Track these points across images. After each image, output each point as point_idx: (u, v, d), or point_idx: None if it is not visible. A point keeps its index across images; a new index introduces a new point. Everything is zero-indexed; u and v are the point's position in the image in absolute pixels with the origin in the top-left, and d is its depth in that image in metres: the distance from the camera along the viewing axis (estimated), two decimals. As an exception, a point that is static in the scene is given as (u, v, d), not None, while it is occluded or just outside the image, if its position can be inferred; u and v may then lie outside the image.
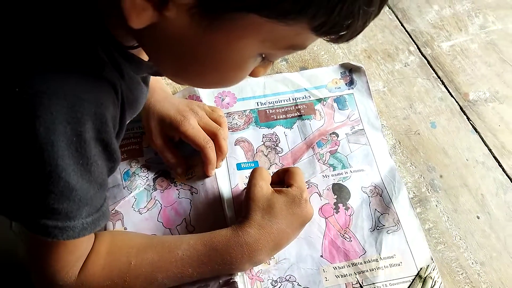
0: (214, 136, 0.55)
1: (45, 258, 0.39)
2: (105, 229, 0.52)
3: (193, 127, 0.54)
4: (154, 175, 0.56)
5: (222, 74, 0.35)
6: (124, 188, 0.55)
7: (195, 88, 0.63)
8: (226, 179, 0.57)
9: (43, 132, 0.30)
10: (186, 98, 0.62)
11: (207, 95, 0.64)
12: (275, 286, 0.50)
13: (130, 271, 0.43)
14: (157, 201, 0.55)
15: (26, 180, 0.32)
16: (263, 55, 0.34)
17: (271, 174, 0.53)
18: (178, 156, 0.56)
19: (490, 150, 0.60)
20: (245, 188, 0.54)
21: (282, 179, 0.51)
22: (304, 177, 0.51)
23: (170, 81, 0.61)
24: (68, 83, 0.31)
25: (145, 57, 0.38)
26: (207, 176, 0.56)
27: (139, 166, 0.57)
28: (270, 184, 0.50)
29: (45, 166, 0.31)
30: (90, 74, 0.33)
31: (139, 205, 0.54)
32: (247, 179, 0.56)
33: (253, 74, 0.37)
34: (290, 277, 0.50)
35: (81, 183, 0.33)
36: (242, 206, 0.50)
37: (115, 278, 0.43)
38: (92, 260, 0.43)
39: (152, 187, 0.56)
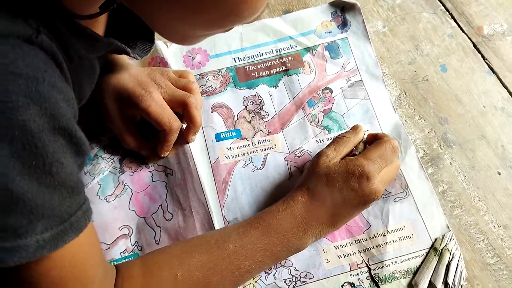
0: (184, 106, 0.46)
1: None
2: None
3: (157, 102, 0.45)
4: (120, 156, 0.50)
5: None
6: (85, 174, 0.48)
7: (159, 48, 0.53)
8: (204, 154, 0.49)
9: None
10: (149, 63, 0.53)
11: (174, 54, 0.54)
12: (269, 273, 0.44)
13: (178, 285, 0.37)
14: (126, 186, 0.48)
15: None
16: None
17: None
18: (138, 140, 0.48)
19: (510, 93, 0.54)
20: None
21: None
22: (387, 150, 0.42)
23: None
24: None
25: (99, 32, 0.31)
26: (161, 158, 0.48)
27: (101, 146, 0.50)
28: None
29: None
30: (15, 39, 0.25)
31: (105, 192, 0.48)
32: (229, 151, 0.48)
33: None
34: (285, 262, 0.44)
35: (36, 190, 0.27)
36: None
37: None
38: (126, 287, 0.37)
39: (119, 169, 0.49)
